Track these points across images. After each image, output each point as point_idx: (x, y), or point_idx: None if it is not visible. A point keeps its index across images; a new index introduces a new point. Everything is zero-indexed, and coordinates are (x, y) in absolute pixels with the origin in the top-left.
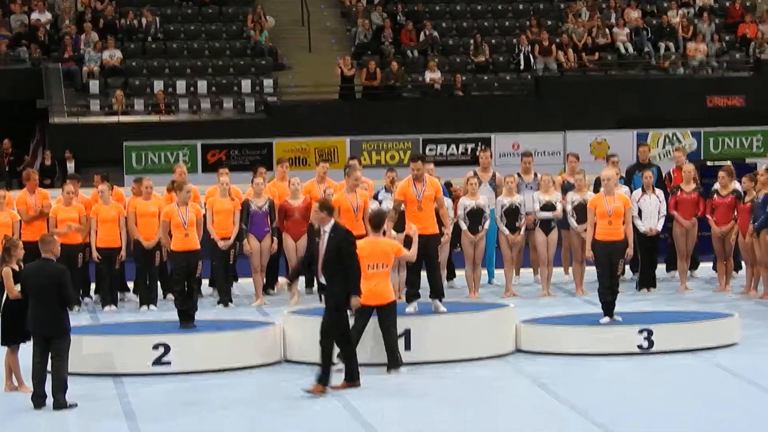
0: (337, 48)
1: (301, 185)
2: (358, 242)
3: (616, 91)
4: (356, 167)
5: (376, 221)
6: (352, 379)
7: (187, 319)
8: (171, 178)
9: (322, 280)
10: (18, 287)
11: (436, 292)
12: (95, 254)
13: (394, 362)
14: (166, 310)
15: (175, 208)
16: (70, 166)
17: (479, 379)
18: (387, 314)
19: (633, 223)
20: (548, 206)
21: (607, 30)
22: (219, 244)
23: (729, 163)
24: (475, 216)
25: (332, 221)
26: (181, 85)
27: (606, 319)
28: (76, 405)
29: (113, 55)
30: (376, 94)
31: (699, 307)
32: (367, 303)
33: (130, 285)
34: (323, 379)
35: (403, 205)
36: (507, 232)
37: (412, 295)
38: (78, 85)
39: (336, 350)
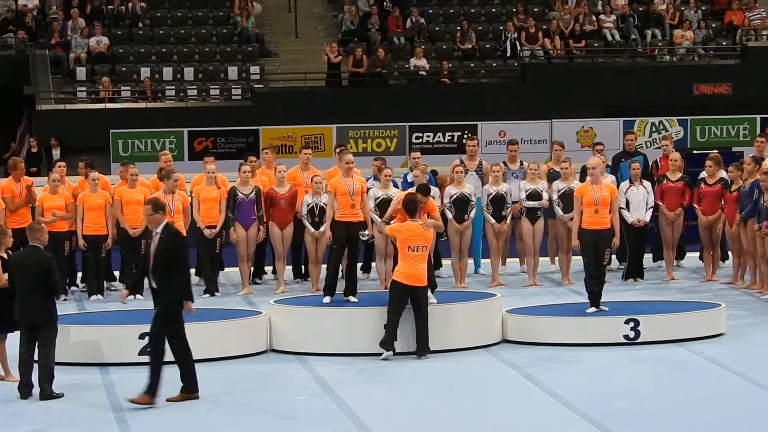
0: (323, 35)
1: (286, 173)
2: (395, 225)
3: (603, 79)
4: (347, 151)
5: (411, 206)
6: (152, 393)
7: None
8: (157, 166)
9: (153, 284)
10: (6, 276)
11: (429, 283)
12: (81, 242)
13: (424, 347)
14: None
15: (162, 196)
16: (56, 153)
17: (465, 369)
18: (423, 297)
19: (620, 214)
20: (534, 195)
21: (593, 17)
22: (205, 233)
23: (716, 151)
24: (461, 205)
25: (165, 222)
26: (167, 72)
27: (592, 309)
28: (63, 395)
29: (100, 42)
30: (362, 81)
31: (685, 297)
32: (406, 283)
33: (117, 274)
34: (152, 389)
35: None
36: (492, 220)
37: None
38: (65, 71)
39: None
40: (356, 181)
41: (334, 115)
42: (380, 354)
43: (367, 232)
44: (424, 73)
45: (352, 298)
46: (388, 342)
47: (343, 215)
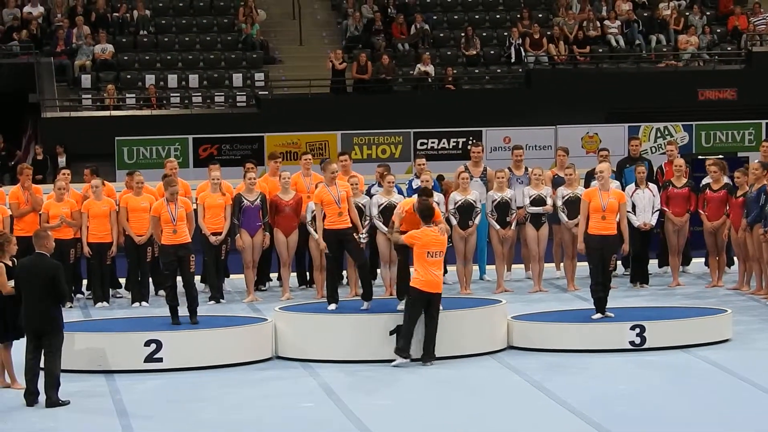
0: (327, 41)
1: (290, 180)
2: (413, 233)
3: (608, 85)
4: (331, 161)
5: (427, 213)
6: None
7: (177, 315)
8: (162, 173)
9: None
10: (11, 283)
11: None
12: (86, 249)
13: (430, 354)
14: (157, 307)
15: (164, 204)
16: (62, 160)
17: (471, 376)
18: (437, 304)
19: (627, 218)
20: (538, 201)
21: (598, 22)
22: (210, 239)
23: (721, 157)
24: (466, 211)
25: None
26: (172, 79)
27: (598, 315)
28: (69, 402)
29: (105, 49)
30: (367, 87)
31: (691, 303)
32: (425, 290)
33: (122, 281)
34: None
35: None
36: (497, 226)
37: (404, 291)
38: (70, 79)
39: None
40: (341, 188)
41: (339, 121)
42: (392, 360)
43: (363, 235)
44: (430, 79)
45: (366, 304)
46: (404, 349)
47: (331, 223)
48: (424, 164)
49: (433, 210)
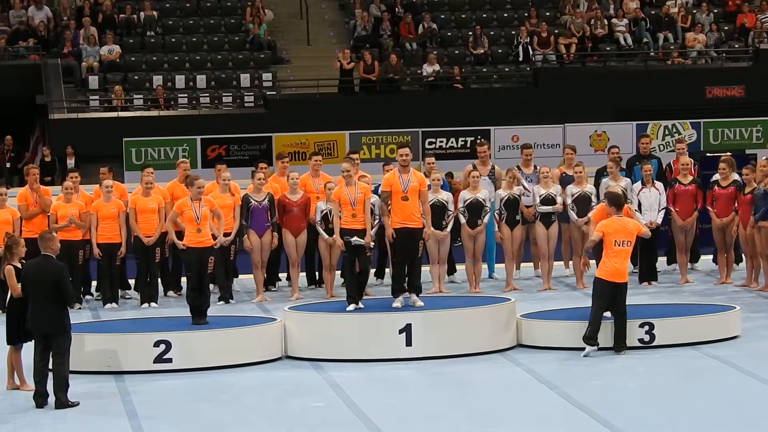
0: (335, 41)
1: (299, 180)
2: (604, 222)
3: (616, 83)
4: (348, 159)
5: (617, 201)
6: None
7: (199, 315)
8: (169, 174)
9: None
10: (20, 285)
11: (413, 287)
12: (96, 251)
13: (622, 344)
14: (167, 308)
15: (188, 202)
16: (71, 162)
17: (480, 374)
18: (624, 293)
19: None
20: (548, 200)
21: (605, 21)
22: (219, 240)
23: (729, 154)
24: (475, 209)
25: None
26: (180, 80)
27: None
28: (78, 403)
29: (112, 50)
30: (375, 87)
31: (700, 300)
32: (610, 279)
33: (131, 282)
34: None
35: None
36: (496, 228)
37: (397, 290)
38: (77, 80)
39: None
40: (358, 190)
41: (347, 121)
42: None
43: (356, 238)
44: (440, 70)
45: (360, 304)
46: (592, 337)
47: (345, 223)
48: (433, 163)
49: (622, 200)
